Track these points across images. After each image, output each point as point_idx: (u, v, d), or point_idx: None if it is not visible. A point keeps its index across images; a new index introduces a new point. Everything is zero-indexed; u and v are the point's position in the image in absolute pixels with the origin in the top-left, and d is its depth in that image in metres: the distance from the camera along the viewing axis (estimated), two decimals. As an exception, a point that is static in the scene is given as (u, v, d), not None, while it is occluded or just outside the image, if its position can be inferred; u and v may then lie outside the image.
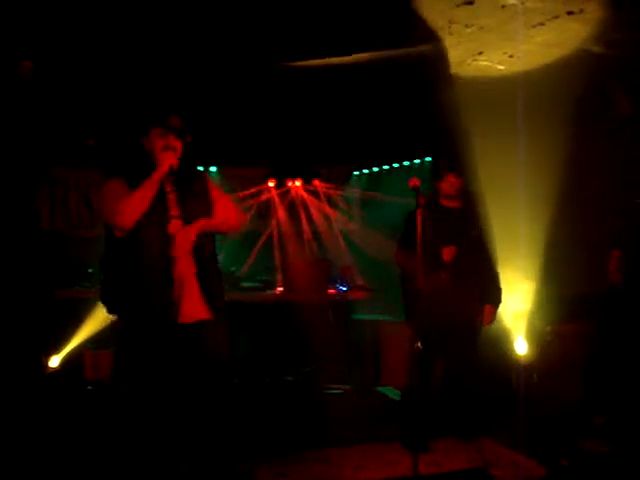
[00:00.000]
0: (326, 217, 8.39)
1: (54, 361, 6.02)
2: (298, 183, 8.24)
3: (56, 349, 6.09)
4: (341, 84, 5.73)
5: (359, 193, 8.49)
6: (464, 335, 4.82)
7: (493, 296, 4.84)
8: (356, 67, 5.22)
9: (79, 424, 5.07)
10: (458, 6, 3.91)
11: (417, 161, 7.61)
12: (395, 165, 7.99)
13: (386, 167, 8.16)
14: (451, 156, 4.91)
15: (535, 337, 5.50)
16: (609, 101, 5.10)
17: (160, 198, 3.49)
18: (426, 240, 4.44)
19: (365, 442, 4.86)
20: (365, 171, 8.51)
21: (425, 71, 5.11)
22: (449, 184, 4.72)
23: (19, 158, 6.46)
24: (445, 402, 4.95)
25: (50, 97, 5.70)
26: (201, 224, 3.57)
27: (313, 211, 8.41)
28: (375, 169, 8.33)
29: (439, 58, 4.84)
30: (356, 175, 8.60)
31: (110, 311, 3.61)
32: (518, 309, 5.54)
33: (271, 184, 8.05)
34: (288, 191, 8.27)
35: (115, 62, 5.08)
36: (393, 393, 6.04)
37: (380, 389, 6.24)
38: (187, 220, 3.53)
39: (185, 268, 3.50)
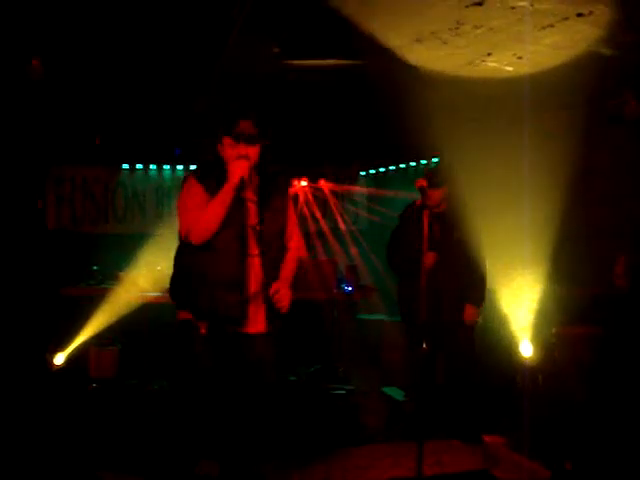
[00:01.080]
0: (332, 217, 8.39)
1: (59, 358, 6.03)
2: (304, 183, 8.24)
3: (61, 346, 6.10)
4: (346, 84, 5.73)
5: (365, 193, 8.48)
6: (457, 336, 4.92)
7: (474, 296, 4.94)
8: (358, 68, 5.23)
9: (84, 422, 5.08)
10: (467, 7, 3.89)
11: (424, 162, 7.60)
12: (402, 166, 7.98)
13: (392, 167, 8.16)
14: (434, 169, 4.99)
15: (540, 339, 5.49)
16: (618, 103, 5.08)
17: (239, 206, 3.45)
18: (409, 245, 4.58)
19: (369, 443, 4.86)
20: (371, 171, 8.50)
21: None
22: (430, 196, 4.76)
23: (25, 156, 6.48)
24: (448, 403, 4.97)
25: (57, 95, 5.71)
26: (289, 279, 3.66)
27: (319, 211, 8.40)
28: (382, 169, 8.33)
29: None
30: (362, 175, 8.60)
31: (179, 307, 3.59)
32: (524, 311, 5.53)
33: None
34: (294, 191, 8.27)
35: (125, 59, 5.08)
36: (397, 393, 6.03)
37: (384, 389, 6.22)
38: (262, 232, 3.48)
39: (254, 280, 3.50)
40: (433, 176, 4.86)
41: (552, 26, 4.16)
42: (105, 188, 7.57)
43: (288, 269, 3.69)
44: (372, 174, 8.54)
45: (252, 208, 3.51)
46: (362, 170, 8.56)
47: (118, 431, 4.79)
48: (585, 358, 5.28)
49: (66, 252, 7.15)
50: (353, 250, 8.04)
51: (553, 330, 5.43)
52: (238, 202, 3.44)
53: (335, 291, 6.89)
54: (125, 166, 7.56)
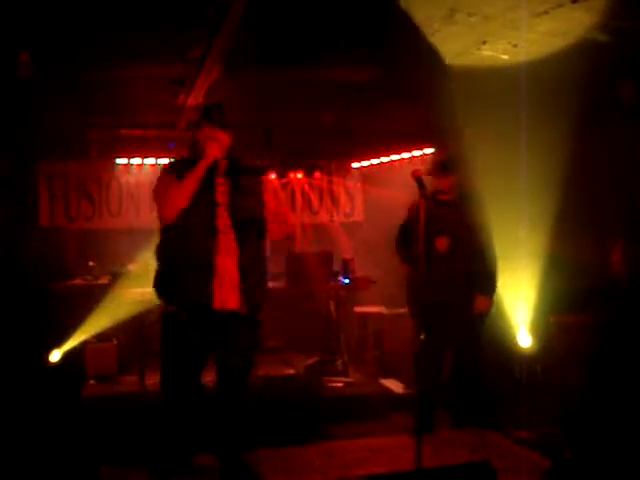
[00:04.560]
0: (328, 209, 8.37)
1: (55, 355, 6.01)
2: (299, 175, 8.22)
3: (57, 343, 6.08)
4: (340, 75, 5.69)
5: (360, 185, 8.46)
6: (466, 325, 4.85)
7: (485, 286, 4.88)
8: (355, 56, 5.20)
9: (82, 418, 5.06)
10: (461, -6, 3.87)
11: (418, 153, 7.57)
12: (395, 157, 7.95)
13: (386, 159, 8.12)
14: (446, 156, 5.03)
15: (539, 329, 5.48)
16: (615, 91, 5.06)
17: (208, 187, 3.62)
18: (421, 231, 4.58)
19: (368, 435, 4.85)
20: (366, 163, 8.47)
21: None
22: (442, 183, 4.87)
23: (17, 151, 6.45)
24: (452, 394, 4.96)
25: (47, 89, 5.66)
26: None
27: (314, 203, 8.39)
28: (376, 161, 8.29)
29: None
30: (357, 167, 8.57)
31: (160, 297, 3.74)
32: (522, 301, 5.52)
33: (272, 176, 8.02)
34: (289, 183, 8.26)
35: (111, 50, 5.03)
36: (396, 385, 6.02)
37: (383, 381, 6.21)
38: (234, 211, 3.64)
39: (227, 259, 3.60)
40: (443, 164, 4.88)
41: (547, 13, 4.13)
42: (99, 184, 7.53)
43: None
44: (366, 166, 8.50)
45: (222, 189, 3.68)
46: (356, 162, 8.52)
47: (116, 427, 4.77)
48: (583, 347, 5.28)
49: (61, 248, 7.13)
50: (350, 242, 8.04)
51: (551, 319, 5.43)
52: (208, 184, 3.62)
53: (332, 283, 6.87)
54: (119, 161, 7.51)
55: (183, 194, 3.54)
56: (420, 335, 4.06)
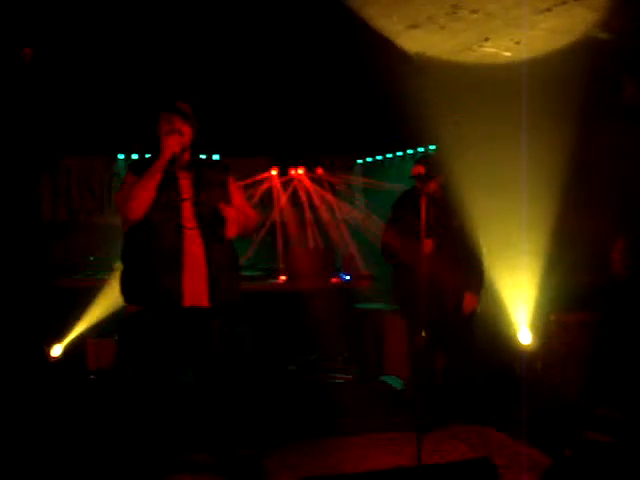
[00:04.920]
0: (329, 205, 8.37)
1: (56, 350, 6.01)
2: (301, 171, 8.22)
3: (58, 338, 6.09)
4: (342, 71, 5.69)
5: (362, 181, 8.46)
6: (457, 323, 4.87)
7: (473, 283, 4.89)
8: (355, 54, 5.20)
9: (82, 413, 5.07)
10: (464, -9, 3.88)
11: (421, 149, 7.57)
12: (399, 153, 7.95)
13: (389, 155, 8.12)
14: (428, 161, 4.95)
15: (539, 327, 5.48)
16: (616, 88, 5.06)
17: (172, 185, 3.53)
18: (408, 232, 4.60)
19: (368, 432, 4.85)
20: (369, 159, 8.47)
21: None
22: (426, 187, 4.69)
23: (20, 147, 6.44)
24: (447, 391, 4.97)
25: (52, 85, 5.67)
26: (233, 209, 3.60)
27: (316, 199, 8.39)
28: (379, 157, 8.29)
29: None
30: (359, 163, 8.56)
31: (127, 300, 3.64)
32: (522, 298, 5.52)
33: (274, 172, 8.02)
34: (291, 179, 8.26)
35: (119, 49, 5.04)
36: (396, 382, 6.03)
37: (383, 378, 6.22)
38: (199, 206, 3.55)
39: (195, 255, 3.53)
40: (428, 164, 4.83)
41: (549, 10, 4.14)
42: (101, 179, 7.54)
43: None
44: (369, 162, 8.50)
45: (185, 184, 3.58)
46: (359, 158, 8.52)
47: (117, 422, 4.77)
48: (583, 345, 5.28)
49: (62, 243, 7.13)
50: (351, 239, 8.04)
51: (551, 317, 5.43)
52: (171, 179, 3.52)
53: (333, 280, 6.88)
54: (121, 156, 7.51)
55: (143, 193, 3.43)
56: (420, 333, 4.05)
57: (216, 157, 7.83)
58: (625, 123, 5.03)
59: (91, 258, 7.01)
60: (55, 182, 7.35)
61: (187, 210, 3.54)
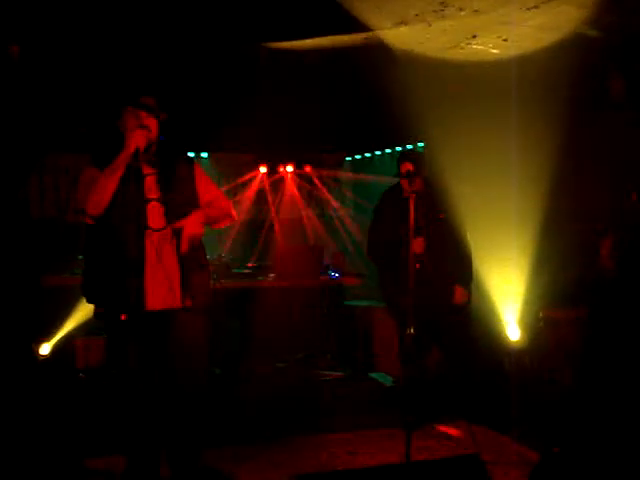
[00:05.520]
0: (318, 203, 8.37)
1: (45, 349, 5.98)
2: (290, 169, 8.21)
3: (47, 337, 6.06)
4: (330, 69, 5.68)
5: (351, 179, 8.46)
6: (451, 319, 4.84)
7: (462, 276, 4.88)
8: (342, 52, 5.19)
9: (70, 412, 5.05)
10: (451, -12, 3.88)
11: (409, 146, 7.58)
12: (387, 150, 7.95)
13: (378, 152, 8.13)
14: (414, 159, 4.81)
15: (528, 322, 5.50)
16: (604, 85, 5.07)
17: (136, 181, 3.33)
18: (395, 232, 4.59)
19: (358, 429, 4.86)
20: (357, 157, 8.47)
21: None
22: (412, 186, 4.56)
23: (8, 145, 6.40)
24: (439, 386, 4.98)
25: (38, 83, 5.64)
26: (192, 220, 3.40)
27: (305, 197, 8.39)
28: (367, 154, 8.30)
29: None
30: (348, 160, 8.57)
31: (89, 301, 3.51)
32: (511, 295, 5.54)
33: (263, 170, 8.01)
34: (280, 177, 8.25)
35: (108, 46, 5.01)
36: (385, 379, 6.04)
37: (372, 375, 6.23)
38: (167, 203, 3.40)
39: (162, 255, 3.39)
40: (414, 161, 4.76)
41: (537, 7, 4.14)
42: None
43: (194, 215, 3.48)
44: (358, 159, 8.50)
45: (151, 182, 3.43)
46: (347, 155, 8.52)
47: (106, 421, 4.75)
48: (571, 340, 5.31)
49: (51, 241, 7.10)
50: (340, 236, 8.04)
51: (540, 313, 5.45)
52: (135, 176, 3.33)
53: (322, 277, 6.88)
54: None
55: (104, 188, 3.27)
56: (409, 330, 4.01)
57: (205, 155, 7.85)
58: (613, 120, 5.06)
59: (80, 257, 6.97)
60: (43, 180, 7.31)
61: (153, 212, 3.39)
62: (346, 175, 8.53)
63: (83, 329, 6.23)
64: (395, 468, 3.86)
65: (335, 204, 8.47)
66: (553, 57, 4.80)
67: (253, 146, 7.77)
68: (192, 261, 3.47)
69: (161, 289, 3.38)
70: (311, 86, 6.02)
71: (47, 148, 7.18)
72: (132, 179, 3.30)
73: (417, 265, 4.52)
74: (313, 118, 7.00)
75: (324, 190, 8.42)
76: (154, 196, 3.41)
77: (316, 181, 8.39)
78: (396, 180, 4.89)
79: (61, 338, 6.10)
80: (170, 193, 3.44)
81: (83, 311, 6.17)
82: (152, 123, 3.43)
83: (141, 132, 3.34)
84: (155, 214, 3.40)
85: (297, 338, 7.10)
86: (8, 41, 4.81)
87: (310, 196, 8.42)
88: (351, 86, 6.10)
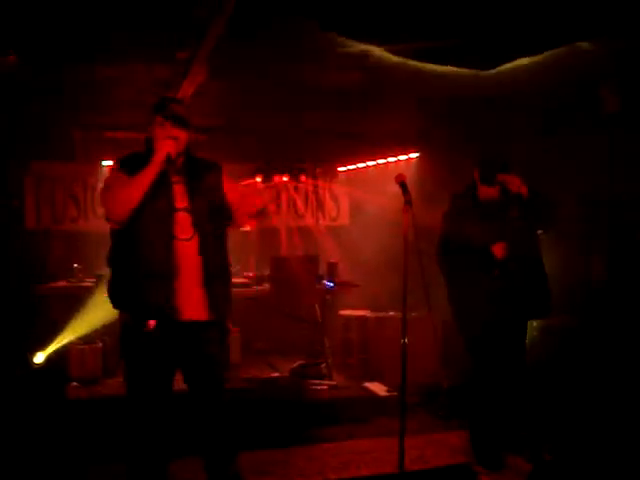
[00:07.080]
0: (313, 212, 8.39)
1: (39, 357, 5.99)
2: (285, 179, 8.23)
3: (41, 345, 6.06)
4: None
5: (345, 189, 8.50)
6: (518, 334, 4.53)
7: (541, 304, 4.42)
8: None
9: (63, 421, 5.04)
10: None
11: (403, 157, 7.62)
12: (381, 161, 7.99)
13: (372, 163, 8.16)
14: (488, 165, 4.38)
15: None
16: (596, 98, 5.10)
17: (165, 189, 3.33)
18: (473, 240, 4.23)
19: (352, 438, 4.87)
20: (351, 167, 8.50)
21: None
22: (483, 192, 4.39)
23: (3, 154, 6.43)
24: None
25: (33, 91, 5.65)
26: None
27: (300, 206, 8.41)
28: (361, 165, 8.33)
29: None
30: (342, 171, 8.59)
31: (115, 306, 3.45)
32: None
33: (258, 179, 8.03)
34: (275, 187, 8.27)
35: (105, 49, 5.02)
36: (380, 389, 6.04)
37: (367, 385, 6.23)
38: (194, 213, 3.37)
39: (189, 265, 3.35)
40: (491, 170, 4.30)
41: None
42: (84, 185, 7.52)
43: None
44: (352, 170, 8.53)
45: (179, 191, 3.39)
46: (342, 166, 8.55)
47: (101, 430, 4.76)
48: (565, 349, 5.33)
49: (46, 250, 7.11)
50: (334, 246, 8.06)
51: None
52: (164, 185, 3.32)
53: (317, 286, 6.89)
54: (104, 163, 7.49)
55: (133, 193, 3.22)
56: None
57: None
58: (605, 132, 5.09)
59: (75, 265, 6.99)
60: (39, 190, 7.32)
61: (182, 221, 3.34)
62: (340, 185, 8.56)
63: (78, 338, 6.23)
64: (389, 478, 3.88)
65: (330, 214, 8.50)
66: (545, 69, 4.83)
67: (249, 156, 7.80)
68: (216, 272, 3.44)
69: (190, 300, 3.35)
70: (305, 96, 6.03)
71: (42, 157, 7.19)
72: (161, 188, 3.30)
73: (496, 272, 4.24)
74: (308, 128, 7.05)
75: (319, 200, 8.44)
76: (183, 205, 3.37)
77: (310, 191, 8.41)
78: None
79: (56, 347, 6.10)
80: (199, 203, 3.40)
81: (78, 320, 6.18)
82: (181, 134, 3.38)
83: (170, 142, 3.32)
84: (183, 223, 3.35)
85: (292, 347, 7.11)
86: (5, 49, 4.82)
87: (305, 205, 8.44)
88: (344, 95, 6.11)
